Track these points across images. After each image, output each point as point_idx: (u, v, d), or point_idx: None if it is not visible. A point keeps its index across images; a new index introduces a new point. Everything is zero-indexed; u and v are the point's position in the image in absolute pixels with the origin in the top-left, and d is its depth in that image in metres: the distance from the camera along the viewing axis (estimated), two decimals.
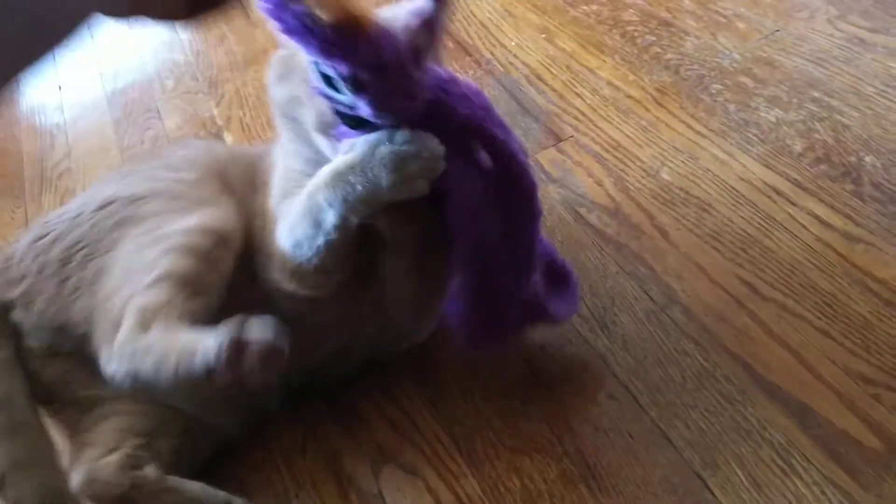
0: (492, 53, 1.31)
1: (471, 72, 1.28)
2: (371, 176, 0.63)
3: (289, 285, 0.73)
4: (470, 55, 1.32)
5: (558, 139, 1.11)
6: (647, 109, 1.11)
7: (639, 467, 0.73)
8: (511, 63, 1.27)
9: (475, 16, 1.40)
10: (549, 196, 1.02)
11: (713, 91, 1.11)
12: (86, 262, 0.73)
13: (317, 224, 0.67)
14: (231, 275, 0.74)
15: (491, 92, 1.22)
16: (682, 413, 0.76)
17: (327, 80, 0.62)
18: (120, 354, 0.65)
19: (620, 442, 0.76)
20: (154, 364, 0.63)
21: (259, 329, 0.60)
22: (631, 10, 1.30)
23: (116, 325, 0.67)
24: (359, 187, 0.63)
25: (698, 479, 0.71)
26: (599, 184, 1.02)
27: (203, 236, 0.72)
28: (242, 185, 0.82)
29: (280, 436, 0.85)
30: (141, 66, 1.59)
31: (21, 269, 0.76)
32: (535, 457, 0.77)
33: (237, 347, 0.59)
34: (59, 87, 1.61)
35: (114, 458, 0.71)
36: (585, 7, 1.34)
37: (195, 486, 0.73)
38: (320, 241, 0.68)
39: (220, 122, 1.35)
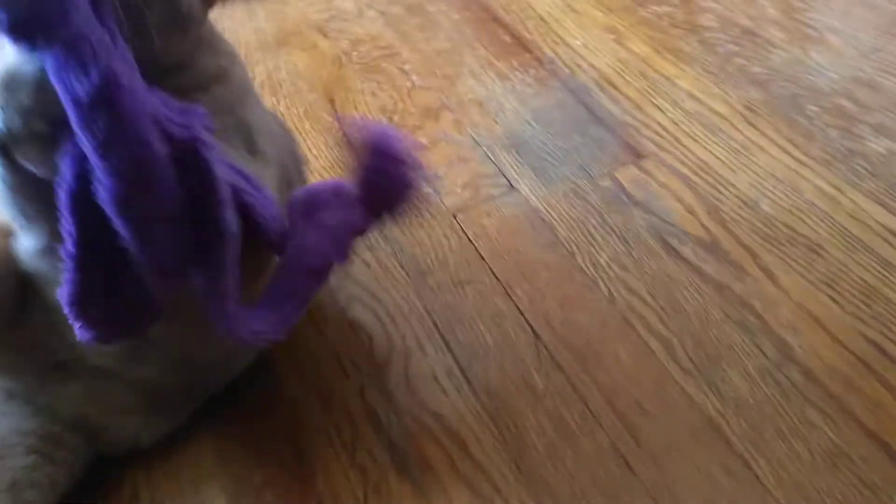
0: (554, 52, 1.19)
1: (532, 71, 1.17)
2: None
3: None
4: (530, 52, 1.20)
5: (638, 155, 1.00)
6: (737, 128, 1.01)
7: None
8: (577, 65, 1.16)
9: (533, 7, 1.29)
10: (633, 221, 0.92)
11: (810, 113, 1.01)
12: None
13: None
14: None
15: (556, 96, 1.11)
16: (814, 498, 0.67)
17: None
18: None
19: None
20: None
21: None
22: (708, 15, 1.20)
23: None
24: None
25: None
26: (691, 211, 0.92)
27: None
28: None
29: (333, 485, 0.74)
30: None
31: None
32: None
33: None
34: None
35: None
36: (656, 7, 1.23)
37: None
38: None
39: None
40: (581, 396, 0.76)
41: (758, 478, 0.69)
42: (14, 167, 0.58)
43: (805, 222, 0.88)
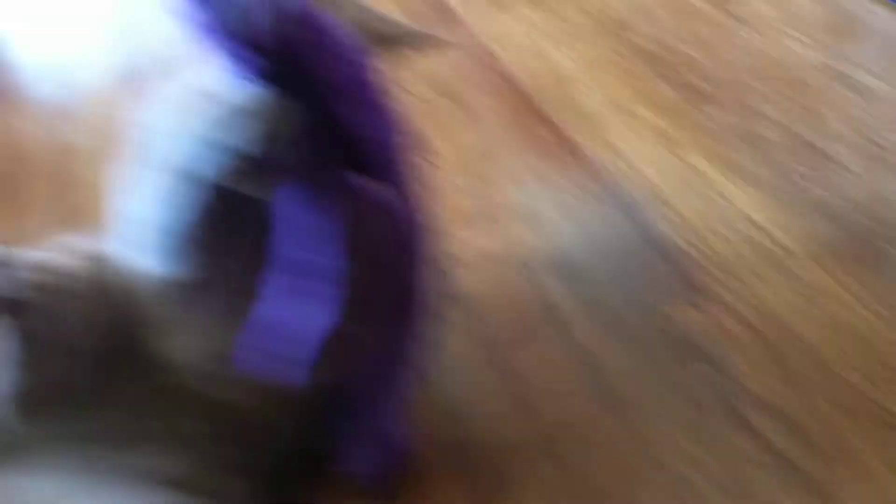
0: (600, 156, 1.10)
1: (576, 178, 1.07)
2: None
3: None
4: (573, 154, 1.11)
5: (694, 289, 0.90)
6: (808, 270, 0.91)
7: None
8: (622, 172, 1.06)
9: (575, 101, 1.19)
10: (694, 374, 0.82)
11: (890, 256, 0.91)
12: None
13: None
14: None
15: (603, 209, 1.02)
16: None
17: None
18: None
19: None
20: None
21: None
22: (766, 123, 1.10)
23: None
24: None
25: None
26: (762, 373, 0.81)
27: None
28: None
29: None
30: None
31: None
32: None
33: None
34: None
35: None
36: (709, 109, 1.14)
37: None
38: None
39: None
40: None
41: None
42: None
43: (894, 392, 0.78)
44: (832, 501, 0.70)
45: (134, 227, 0.60)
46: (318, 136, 0.55)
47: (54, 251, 0.60)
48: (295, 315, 0.54)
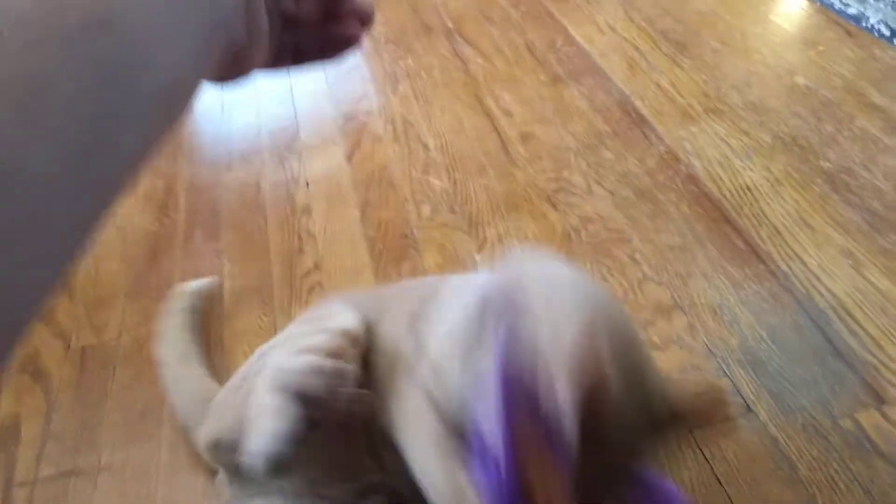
0: (789, 268, 1.22)
1: (766, 284, 1.20)
2: None
3: None
4: (763, 263, 1.24)
5: (881, 401, 1.01)
6: None
7: None
8: (814, 286, 1.18)
9: (766, 216, 1.33)
10: (878, 474, 0.93)
11: None
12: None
13: None
14: None
15: (791, 317, 1.14)
16: None
17: None
18: None
19: None
20: None
21: None
22: None
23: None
24: None
25: None
26: None
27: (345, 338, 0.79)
28: None
29: None
30: (392, 181, 1.57)
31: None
32: None
33: None
34: (307, 184, 1.61)
35: None
36: (893, 236, 1.25)
37: None
38: None
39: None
40: None
41: None
42: None
43: None
44: None
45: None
46: None
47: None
48: None
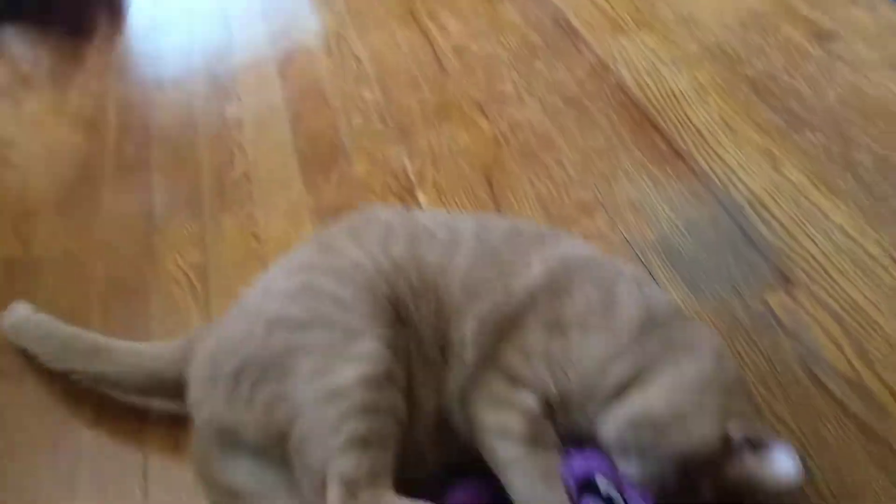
0: (709, 166, 1.25)
1: (686, 181, 1.23)
2: None
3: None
4: (685, 162, 1.27)
5: (788, 282, 1.05)
6: (889, 273, 1.04)
7: None
8: (732, 182, 1.22)
9: (690, 120, 1.35)
10: (781, 348, 0.97)
11: None
12: (258, 384, 0.81)
13: None
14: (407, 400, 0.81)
15: (709, 210, 1.17)
16: None
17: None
18: None
19: None
20: None
21: None
22: (863, 151, 1.24)
23: (320, 484, 0.76)
24: None
25: None
26: (839, 347, 0.96)
27: (373, 388, 0.78)
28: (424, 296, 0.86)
29: None
30: (324, 94, 1.56)
31: (198, 375, 0.87)
32: None
33: None
34: (239, 98, 1.60)
35: None
36: (811, 135, 1.28)
37: None
38: None
39: (413, 179, 1.32)
40: None
41: None
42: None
43: None
44: (890, 449, 0.85)
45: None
46: None
47: None
48: None
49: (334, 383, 0.79)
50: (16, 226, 1.36)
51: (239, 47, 1.76)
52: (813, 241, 1.10)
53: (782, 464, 0.74)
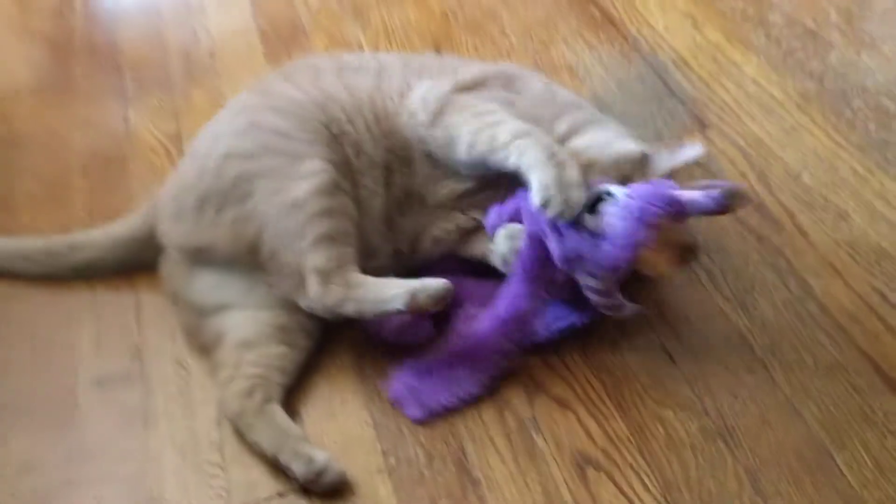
0: (638, 31, 1.37)
1: (617, 45, 1.35)
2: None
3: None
4: (616, 28, 1.39)
5: (703, 126, 1.19)
6: (790, 113, 1.19)
7: (772, 435, 0.84)
8: (658, 45, 1.34)
9: None
10: (693, 178, 1.10)
11: (855, 107, 1.18)
12: (222, 209, 0.94)
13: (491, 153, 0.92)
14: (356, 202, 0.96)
15: (637, 69, 1.30)
16: (814, 395, 0.87)
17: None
18: (320, 303, 0.90)
19: (755, 410, 0.86)
20: (354, 309, 0.89)
21: (426, 286, 0.87)
22: (777, 13, 1.37)
23: (299, 280, 0.91)
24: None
25: (827, 455, 0.82)
26: (743, 176, 1.11)
27: (325, 195, 0.92)
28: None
29: None
30: None
31: (164, 215, 1.00)
32: (678, 411, 0.87)
33: (416, 300, 0.86)
34: None
35: (235, 386, 0.90)
36: (731, 2, 1.41)
37: (284, 421, 0.87)
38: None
39: (367, 51, 1.42)
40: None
41: (772, 378, 0.89)
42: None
43: (837, 194, 1.07)
44: (780, 253, 1.00)
45: None
46: None
47: None
48: None
49: (291, 197, 0.92)
50: None
51: None
52: (726, 90, 1.24)
53: (690, 150, 0.94)
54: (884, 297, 0.95)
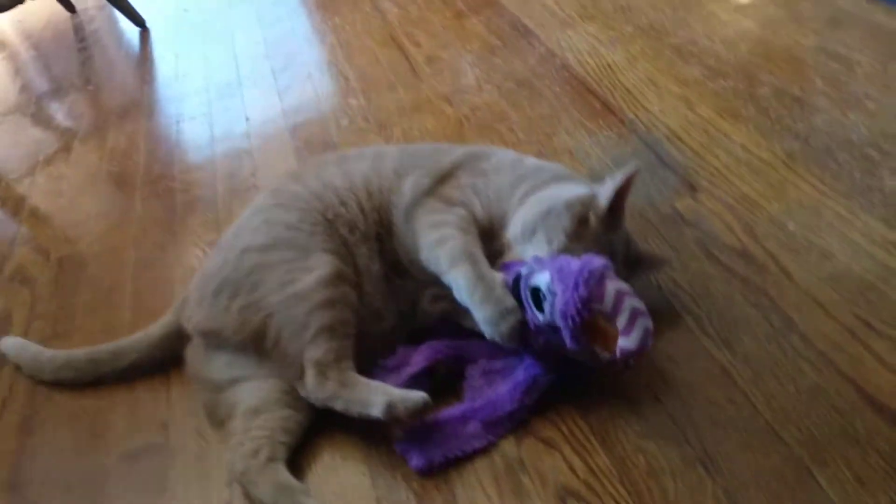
0: (635, 115, 1.46)
1: (615, 129, 1.44)
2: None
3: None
4: (614, 115, 1.48)
5: (694, 190, 1.24)
6: (777, 171, 1.23)
7: (752, 458, 0.84)
8: (653, 124, 1.42)
9: (621, 83, 1.57)
10: (683, 237, 1.16)
11: (840, 160, 1.22)
12: (234, 296, 1.04)
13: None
14: (356, 272, 1.06)
15: (632, 147, 1.38)
16: (794, 418, 0.87)
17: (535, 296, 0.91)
18: (314, 395, 0.98)
19: (737, 436, 0.87)
20: (342, 407, 0.96)
21: (405, 399, 0.92)
22: (766, 88, 1.44)
23: (298, 370, 0.99)
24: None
25: (808, 473, 0.82)
26: (730, 229, 1.15)
27: (329, 287, 1.02)
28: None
29: None
30: (318, 106, 1.82)
31: (190, 300, 1.11)
32: (660, 442, 0.89)
33: (394, 411, 0.92)
34: (247, 119, 1.86)
35: (242, 448, 0.96)
36: (723, 82, 1.49)
37: (285, 477, 0.93)
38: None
39: None
40: None
41: (754, 405, 0.90)
42: None
43: (821, 237, 1.10)
44: (764, 293, 1.03)
45: None
46: None
47: None
48: None
49: (298, 288, 1.02)
50: (65, 232, 1.62)
51: (246, 81, 2.05)
52: (717, 157, 1.30)
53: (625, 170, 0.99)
54: (868, 325, 0.96)
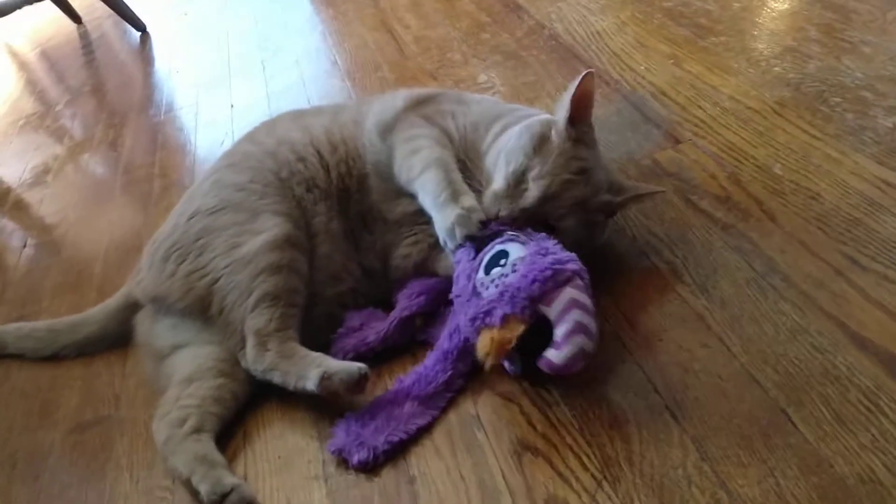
0: (621, 75, 1.39)
1: (600, 90, 1.37)
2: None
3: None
4: (600, 77, 1.41)
5: (677, 142, 1.17)
6: (765, 118, 1.16)
7: (725, 403, 0.77)
8: (638, 83, 1.35)
9: (609, 47, 1.50)
10: (668, 184, 1.08)
11: (832, 104, 1.14)
12: (181, 261, 1.00)
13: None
14: (309, 263, 0.99)
15: (617, 106, 1.31)
16: (772, 360, 0.79)
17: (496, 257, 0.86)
18: (253, 367, 0.93)
19: (709, 382, 0.79)
20: (279, 380, 0.91)
21: (340, 371, 0.87)
22: (757, 40, 1.36)
23: (240, 339, 0.95)
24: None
25: (782, 414, 0.74)
26: (713, 177, 1.07)
27: (276, 250, 0.97)
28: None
29: None
30: (302, 90, 1.78)
31: (142, 267, 1.07)
32: (626, 391, 0.81)
33: (327, 383, 0.86)
34: (231, 106, 1.83)
35: (169, 417, 0.92)
36: (714, 38, 1.42)
37: (205, 449, 0.88)
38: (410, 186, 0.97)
39: None
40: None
41: (729, 349, 0.82)
42: None
43: (809, 178, 1.01)
44: (745, 237, 0.95)
45: None
46: None
47: None
48: None
49: (244, 252, 0.97)
50: (44, 221, 1.60)
51: (236, 73, 2.02)
52: (703, 109, 1.23)
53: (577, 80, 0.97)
54: (853, 260, 0.88)
